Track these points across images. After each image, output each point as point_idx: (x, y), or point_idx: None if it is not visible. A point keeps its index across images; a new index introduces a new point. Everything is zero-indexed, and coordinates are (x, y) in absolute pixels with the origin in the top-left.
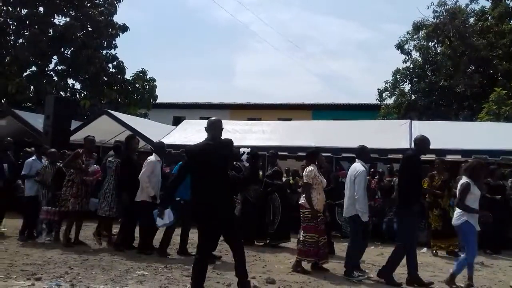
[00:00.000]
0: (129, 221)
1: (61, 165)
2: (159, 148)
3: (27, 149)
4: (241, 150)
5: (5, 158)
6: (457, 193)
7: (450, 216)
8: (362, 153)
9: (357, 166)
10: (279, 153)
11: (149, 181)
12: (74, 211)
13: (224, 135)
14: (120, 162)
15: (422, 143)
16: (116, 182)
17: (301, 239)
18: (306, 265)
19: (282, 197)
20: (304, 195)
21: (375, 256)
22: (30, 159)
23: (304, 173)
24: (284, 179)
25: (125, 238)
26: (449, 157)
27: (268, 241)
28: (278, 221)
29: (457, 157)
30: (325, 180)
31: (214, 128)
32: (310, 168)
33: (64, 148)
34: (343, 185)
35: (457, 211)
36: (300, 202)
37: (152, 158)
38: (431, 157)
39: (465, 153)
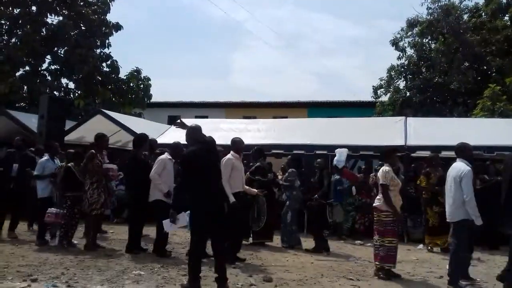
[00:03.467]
0: (137, 222)
1: (70, 165)
2: (174, 148)
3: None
4: (337, 152)
5: (14, 157)
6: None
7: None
8: (463, 150)
9: (461, 166)
10: (275, 151)
11: (161, 179)
12: (101, 213)
13: (220, 134)
14: (127, 162)
15: None
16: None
17: (376, 243)
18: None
19: (267, 195)
20: (381, 197)
21: (372, 253)
22: (43, 159)
23: (380, 174)
24: (279, 176)
25: (135, 240)
26: (444, 154)
27: (251, 239)
28: (265, 220)
29: (452, 154)
30: (399, 181)
31: (199, 132)
32: (386, 168)
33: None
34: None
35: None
36: (374, 205)
37: (164, 156)
38: (426, 153)
39: None
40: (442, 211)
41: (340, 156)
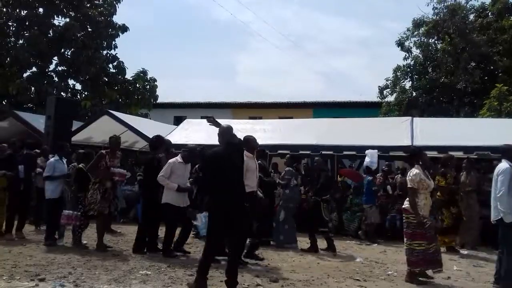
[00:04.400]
0: (148, 223)
1: (81, 166)
2: (189, 151)
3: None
4: (368, 153)
5: (20, 159)
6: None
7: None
8: (508, 151)
9: (502, 165)
10: (281, 151)
11: (170, 181)
12: (105, 214)
13: None
14: (145, 163)
15: None
16: (140, 182)
17: (405, 247)
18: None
19: (268, 194)
20: (408, 199)
21: (378, 253)
22: (52, 159)
23: (408, 177)
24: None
25: (142, 241)
26: (450, 154)
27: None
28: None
29: (459, 154)
30: (432, 183)
31: (229, 133)
32: (415, 171)
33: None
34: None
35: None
36: (403, 206)
37: (173, 159)
38: (432, 153)
39: (466, 149)
40: (458, 212)
41: (372, 157)
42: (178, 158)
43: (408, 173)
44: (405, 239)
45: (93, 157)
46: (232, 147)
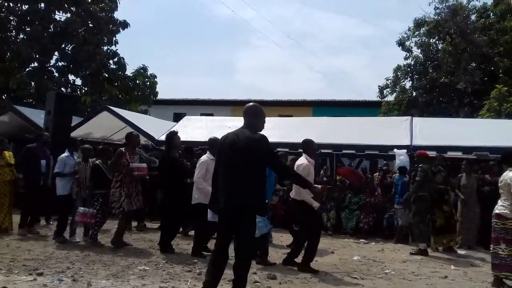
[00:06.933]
0: (171, 223)
1: (98, 162)
2: (211, 144)
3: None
4: (398, 153)
5: (43, 154)
6: None
7: (453, 212)
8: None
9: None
10: (280, 149)
11: (206, 181)
12: (129, 211)
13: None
14: (161, 161)
15: None
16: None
17: (503, 254)
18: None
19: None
20: (507, 204)
21: (376, 252)
22: (63, 155)
23: (508, 181)
24: None
25: (166, 240)
26: (450, 154)
27: None
28: None
29: (458, 154)
30: None
31: (249, 116)
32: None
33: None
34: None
35: None
36: (497, 212)
37: (204, 157)
38: (432, 153)
39: (465, 149)
40: (450, 211)
41: (405, 157)
42: (209, 155)
43: (504, 175)
44: (503, 245)
45: (110, 153)
46: (241, 134)
